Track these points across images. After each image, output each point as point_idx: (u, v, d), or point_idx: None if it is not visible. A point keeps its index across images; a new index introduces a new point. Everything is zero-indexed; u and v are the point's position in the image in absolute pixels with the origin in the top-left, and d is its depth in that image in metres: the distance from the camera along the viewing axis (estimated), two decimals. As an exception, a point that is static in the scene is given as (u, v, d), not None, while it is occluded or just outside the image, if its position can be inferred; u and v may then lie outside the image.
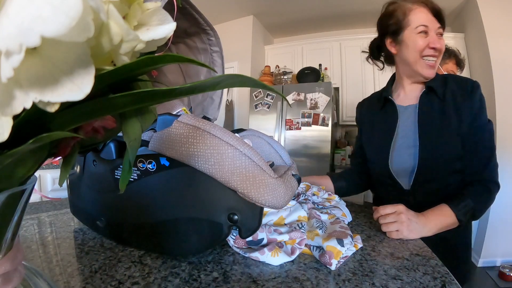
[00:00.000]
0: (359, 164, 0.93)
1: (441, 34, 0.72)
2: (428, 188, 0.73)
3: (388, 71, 0.90)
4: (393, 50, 0.77)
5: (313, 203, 0.66)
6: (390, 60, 0.84)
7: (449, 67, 1.32)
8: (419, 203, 0.69)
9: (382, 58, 0.87)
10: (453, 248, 0.72)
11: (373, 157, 0.84)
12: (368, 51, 0.89)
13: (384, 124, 0.82)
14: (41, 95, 0.10)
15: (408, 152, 0.75)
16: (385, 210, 0.59)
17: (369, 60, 0.89)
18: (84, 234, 0.51)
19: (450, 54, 1.32)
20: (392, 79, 0.87)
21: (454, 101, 0.70)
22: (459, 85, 0.72)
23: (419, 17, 0.70)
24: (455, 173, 0.71)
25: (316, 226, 0.52)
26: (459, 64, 1.35)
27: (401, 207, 0.58)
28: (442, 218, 0.62)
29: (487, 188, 0.67)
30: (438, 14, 0.71)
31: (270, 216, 0.50)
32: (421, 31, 0.70)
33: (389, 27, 0.75)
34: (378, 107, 0.85)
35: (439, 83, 0.73)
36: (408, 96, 0.80)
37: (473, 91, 0.70)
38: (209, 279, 0.37)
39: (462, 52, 1.41)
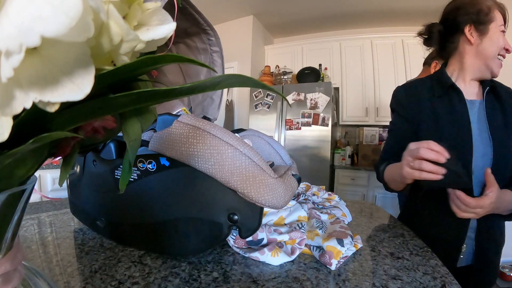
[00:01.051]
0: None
1: None
2: None
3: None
4: (472, 39, 0.73)
5: (313, 203, 0.66)
6: (447, 50, 0.80)
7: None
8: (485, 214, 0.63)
9: (433, 48, 0.83)
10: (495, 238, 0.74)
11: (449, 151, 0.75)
12: (426, 34, 0.83)
13: (451, 115, 0.74)
14: (41, 95, 0.10)
15: (483, 151, 0.70)
16: (469, 204, 0.58)
17: (425, 44, 0.84)
18: (84, 234, 0.51)
19: None
20: (440, 71, 0.82)
21: (510, 106, 0.73)
22: (508, 92, 0.75)
23: (500, 17, 0.72)
24: None
25: (316, 226, 0.52)
26: None
27: (484, 204, 0.58)
28: (510, 204, 0.64)
29: None
30: (505, 23, 0.74)
31: (270, 216, 0.50)
32: (502, 30, 0.72)
33: (475, 15, 0.72)
34: (436, 93, 0.77)
35: (494, 86, 0.75)
36: (467, 90, 0.76)
37: None
38: (209, 279, 0.37)
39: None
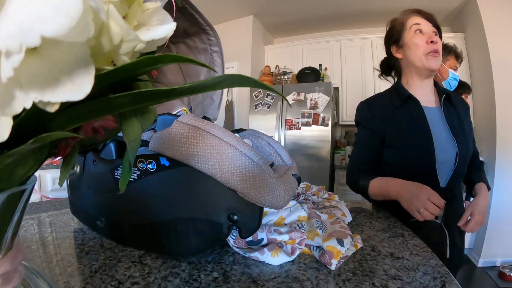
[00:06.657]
0: (374, 168, 0.89)
1: (436, 34, 0.82)
2: (458, 183, 0.84)
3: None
4: (398, 55, 0.88)
5: (313, 203, 0.66)
6: (396, 71, 0.95)
7: (451, 63, 1.37)
8: (449, 199, 0.72)
9: (392, 74, 0.99)
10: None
11: (415, 153, 0.81)
12: (380, 69, 1.02)
13: (411, 121, 0.82)
14: (41, 95, 0.10)
15: (444, 148, 0.80)
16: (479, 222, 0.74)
17: (381, 77, 1.02)
18: (84, 234, 0.51)
19: (450, 50, 1.39)
20: (396, 84, 0.94)
21: (462, 111, 0.87)
22: (459, 101, 0.90)
23: (413, 19, 0.83)
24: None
25: (316, 226, 0.52)
26: (458, 58, 1.43)
27: (480, 210, 0.75)
28: (486, 190, 0.82)
29: (482, 162, 0.96)
30: (430, 19, 0.82)
31: (270, 216, 0.50)
32: (416, 29, 0.81)
33: (392, 37, 0.88)
34: (395, 104, 0.86)
35: (449, 94, 0.88)
36: (423, 99, 0.86)
37: (468, 108, 0.91)
38: (209, 279, 0.37)
39: (462, 52, 1.47)
